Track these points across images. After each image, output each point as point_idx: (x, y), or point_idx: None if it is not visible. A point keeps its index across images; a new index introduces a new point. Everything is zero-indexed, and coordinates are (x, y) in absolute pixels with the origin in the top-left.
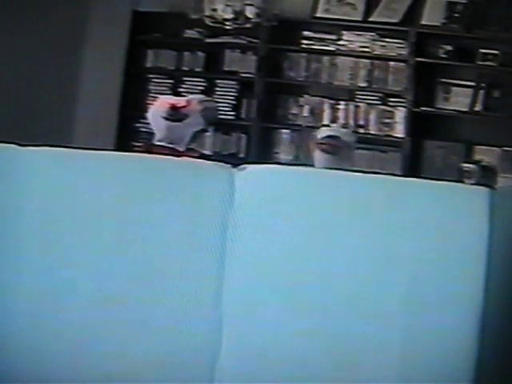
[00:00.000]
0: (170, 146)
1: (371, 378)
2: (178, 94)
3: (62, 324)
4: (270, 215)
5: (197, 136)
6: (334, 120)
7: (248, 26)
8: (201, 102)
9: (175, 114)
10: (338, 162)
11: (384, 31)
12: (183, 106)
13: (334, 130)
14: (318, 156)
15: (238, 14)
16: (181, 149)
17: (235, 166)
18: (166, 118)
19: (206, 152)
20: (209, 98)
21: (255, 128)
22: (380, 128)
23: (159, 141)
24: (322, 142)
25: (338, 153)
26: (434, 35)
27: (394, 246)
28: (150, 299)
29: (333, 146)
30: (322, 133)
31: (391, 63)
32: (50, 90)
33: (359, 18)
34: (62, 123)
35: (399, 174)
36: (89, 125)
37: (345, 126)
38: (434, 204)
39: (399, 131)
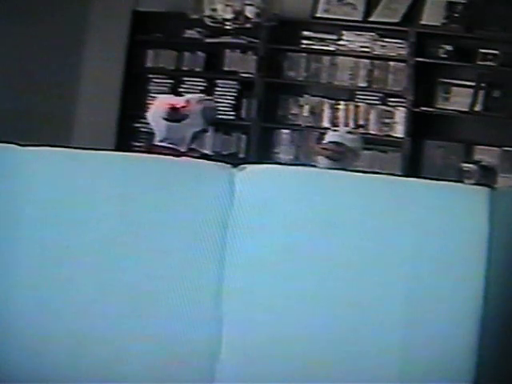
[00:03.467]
0: (172, 146)
1: (371, 377)
2: (177, 94)
3: (62, 324)
4: (270, 215)
5: (197, 136)
6: (334, 120)
7: (248, 25)
8: (200, 101)
9: (175, 115)
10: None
11: (384, 31)
12: (182, 107)
13: (339, 135)
14: (321, 161)
15: (238, 14)
16: (182, 149)
17: (235, 165)
18: (166, 119)
19: (207, 152)
20: (207, 98)
21: (255, 128)
22: (380, 128)
23: (160, 141)
24: (325, 147)
25: (341, 159)
26: (434, 35)
27: (393, 246)
28: (149, 299)
29: (335, 152)
30: (328, 137)
31: (391, 63)
32: (50, 90)
33: (359, 18)
34: (62, 123)
35: (399, 174)
36: (89, 125)
37: (352, 131)
38: (434, 204)
39: (399, 131)
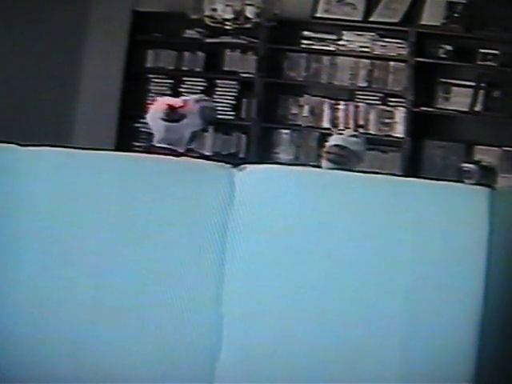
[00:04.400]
0: (170, 147)
1: (371, 377)
2: (178, 94)
3: (62, 324)
4: (270, 215)
5: (196, 136)
6: (334, 120)
7: (248, 25)
8: (197, 101)
9: (173, 115)
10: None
11: (384, 31)
12: (180, 107)
13: (343, 138)
14: (324, 164)
15: (238, 14)
16: (180, 149)
17: (235, 165)
18: (164, 119)
19: (206, 152)
20: (206, 98)
21: (255, 128)
22: (380, 128)
23: (159, 142)
24: (329, 150)
25: (345, 163)
26: (434, 35)
27: (394, 246)
28: (149, 299)
29: (339, 156)
30: (331, 141)
31: (391, 63)
32: (50, 90)
33: (359, 18)
34: (62, 123)
35: (399, 173)
36: (89, 125)
37: (356, 134)
38: (434, 204)
39: (399, 131)
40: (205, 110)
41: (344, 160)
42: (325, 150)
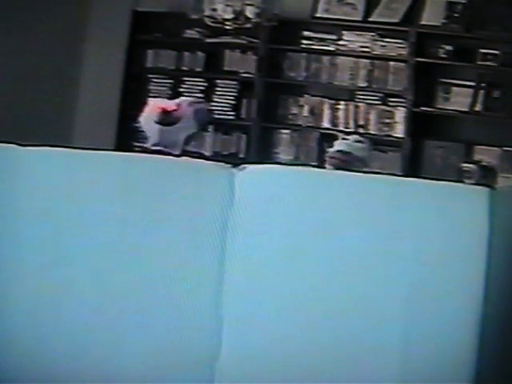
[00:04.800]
0: (165, 150)
1: (371, 378)
2: (178, 94)
3: (62, 324)
4: (270, 215)
5: (191, 139)
6: (334, 120)
7: (248, 25)
8: (191, 104)
9: (166, 118)
10: None
11: (384, 31)
12: (174, 110)
13: (347, 144)
14: (328, 169)
15: (238, 14)
16: (176, 153)
17: (235, 165)
18: (158, 123)
19: (205, 153)
20: (200, 100)
21: (255, 128)
22: (380, 128)
23: (153, 145)
24: (333, 156)
25: (349, 168)
26: (434, 35)
27: (393, 246)
28: (149, 299)
29: (343, 162)
30: (336, 146)
31: (391, 63)
32: (50, 90)
33: (359, 18)
34: (62, 123)
35: (399, 173)
36: (89, 125)
37: (361, 139)
38: (434, 204)
39: (399, 131)
40: (199, 113)
41: (347, 165)
42: (328, 155)
